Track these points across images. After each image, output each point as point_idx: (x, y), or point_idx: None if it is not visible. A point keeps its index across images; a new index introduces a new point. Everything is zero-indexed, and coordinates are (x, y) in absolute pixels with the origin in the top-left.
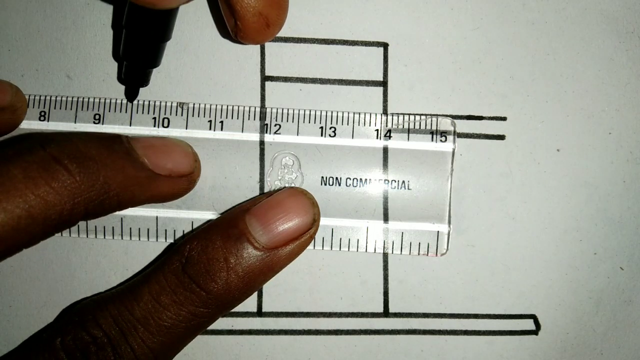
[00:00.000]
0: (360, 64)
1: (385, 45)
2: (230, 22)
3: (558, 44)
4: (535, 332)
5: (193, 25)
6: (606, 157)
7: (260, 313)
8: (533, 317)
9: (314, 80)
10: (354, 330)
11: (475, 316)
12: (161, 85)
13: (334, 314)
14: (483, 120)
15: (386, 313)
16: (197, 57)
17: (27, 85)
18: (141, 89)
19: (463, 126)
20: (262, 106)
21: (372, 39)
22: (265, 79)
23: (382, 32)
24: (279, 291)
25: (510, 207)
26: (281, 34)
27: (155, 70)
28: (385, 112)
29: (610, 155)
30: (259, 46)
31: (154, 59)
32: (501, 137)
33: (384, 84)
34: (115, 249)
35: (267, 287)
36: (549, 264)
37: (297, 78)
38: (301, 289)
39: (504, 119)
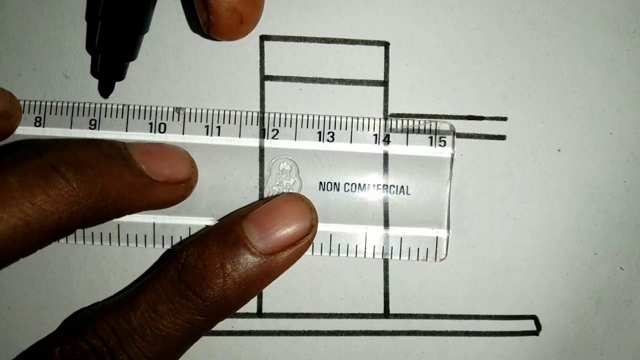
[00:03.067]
0: (360, 63)
1: (386, 45)
2: (203, 17)
3: (559, 44)
4: (536, 333)
5: (192, 24)
6: (607, 158)
7: (260, 314)
8: (534, 317)
9: (314, 80)
10: (354, 331)
11: (476, 317)
12: (160, 84)
13: (334, 315)
14: (484, 121)
15: (386, 314)
16: (196, 57)
17: (24, 85)
18: (140, 90)
19: (463, 126)
20: (262, 106)
21: (373, 38)
22: (264, 78)
23: (383, 31)
24: (279, 292)
25: (511, 207)
26: (281, 32)
27: (153, 70)
28: (385, 112)
29: (611, 155)
30: (258, 45)
31: (131, 52)
32: (502, 138)
33: (384, 83)
34: (114, 250)
35: (267, 288)
36: (549, 264)
37: (296, 77)
38: (301, 290)
39: (504, 119)
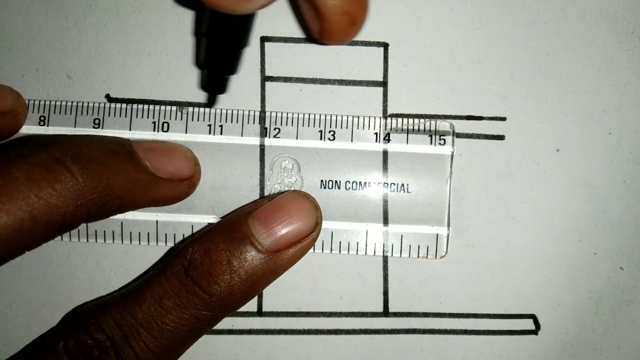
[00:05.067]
0: (360, 64)
1: (385, 46)
2: (315, 25)
3: (558, 44)
4: (535, 332)
5: (193, 25)
6: (606, 157)
7: (260, 313)
8: (533, 317)
9: (314, 81)
10: (353, 330)
11: (475, 316)
12: (162, 85)
13: (334, 313)
14: (483, 121)
15: (386, 313)
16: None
17: (27, 86)
18: (142, 91)
19: (463, 126)
20: (262, 107)
21: (373, 39)
22: (265, 79)
23: (382, 32)
24: (279, 291)
25: (510, 207)
26: (281, 34)
27: (156, 71)
28: (385, 112)
29: (610, 155)
30: (258, 46)
31: (234, 66)
32: (501, 138)
33: (384, 84)
34: (116, 249)
35: (267, 287)
36: (548, 264)
37: (297, 78)
38: (301, 289)
39: (503, 119)
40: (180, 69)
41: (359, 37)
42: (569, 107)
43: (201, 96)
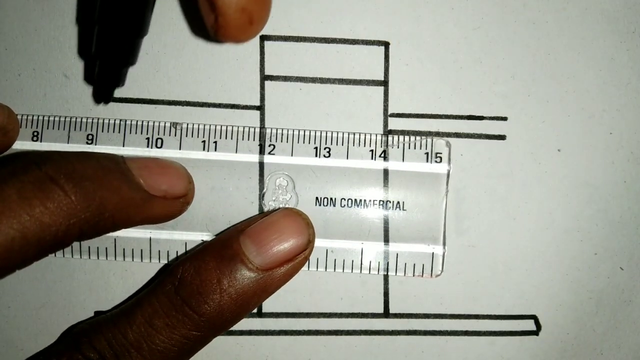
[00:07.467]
0: (361, 63)
1: (386, 44)
2: (210, 19)
3: (559, 44)
4: (536, 333)
5: (191, 24)
6: (607, 158)
7: (260, 313)
8: (534, 317)
9: (314, 80)
10: (354, 331)
11: (476, 317)
12: (159, 84)
13: (334, 314)
14: (484, 120)
15: (386, 313)
16: (196, 57)
17: (23, 85)
18: (140, 91)
19: (463, 126)
20: (262, 106)
21: (373, 37)
22: (264, 78)
23: (383, 31)
24: (279, 292)
25: (511, 207)
26: (281, 32)
27: (154, 70)
28: (386, 111)
29: (611, 155)
30: (258, 45)
31: (131, 56)
32: (502, 137)
33: (384, 83)
34: None
35: None
36: (549, 264)
37: (297, 77)
38: (301, 290)
39: (504, 119)
40: (178, 68)
41: (360, 35)
42: (570, 107)
43: (200, 96)
